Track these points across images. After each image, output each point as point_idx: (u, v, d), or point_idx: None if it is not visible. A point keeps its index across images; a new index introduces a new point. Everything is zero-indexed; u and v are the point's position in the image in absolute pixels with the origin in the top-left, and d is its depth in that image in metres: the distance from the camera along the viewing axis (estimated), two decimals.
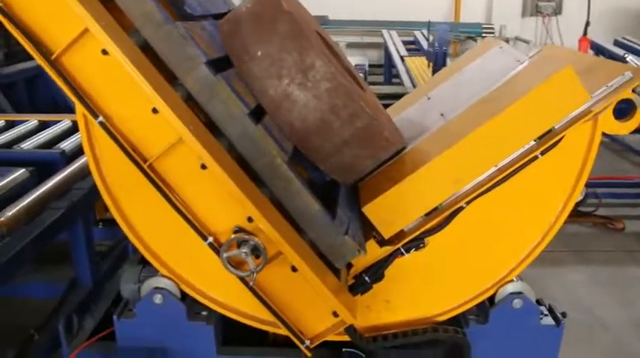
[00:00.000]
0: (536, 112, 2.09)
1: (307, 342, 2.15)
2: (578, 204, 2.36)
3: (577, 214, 4.45)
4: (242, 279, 2.02)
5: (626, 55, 5.93)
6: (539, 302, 2.46)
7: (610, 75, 2.16)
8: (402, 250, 2.22)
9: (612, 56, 5.78)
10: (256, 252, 1.95)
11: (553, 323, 2.41)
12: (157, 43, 1.89)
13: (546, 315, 2.44)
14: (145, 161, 1.93)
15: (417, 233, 2.21)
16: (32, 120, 3.48)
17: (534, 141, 2.15)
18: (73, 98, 1.87)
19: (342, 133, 2.11)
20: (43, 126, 3.45)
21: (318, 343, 2.18)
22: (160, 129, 1.89)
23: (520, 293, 2.36)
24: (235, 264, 1.98)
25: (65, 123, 3.48)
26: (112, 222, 3.59)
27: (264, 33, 2.07)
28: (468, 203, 2.18)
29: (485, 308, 2.40)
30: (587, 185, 4.49)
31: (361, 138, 2.15)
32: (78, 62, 1.86)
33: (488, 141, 2.11)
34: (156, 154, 1.93)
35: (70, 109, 5.46)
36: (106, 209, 3.67)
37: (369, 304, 2.34)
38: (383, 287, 2.30)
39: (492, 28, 11.08)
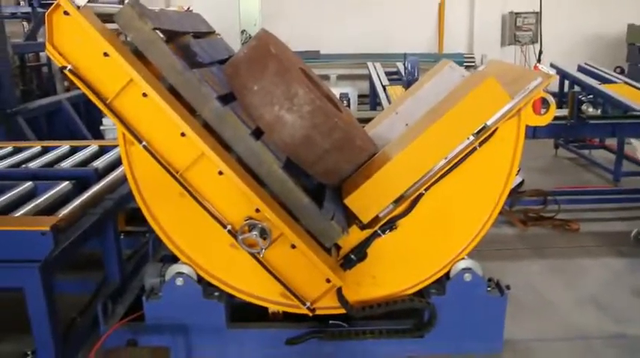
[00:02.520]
0: (470, 113, 2.53)
1: (308, 304, 2.62)
2: (515, 188, 2.77)
3: (538, 218, 4.90)
4: (254, 255, 2.50)
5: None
6: (490, 279, 2.85)
7: (529, 80, 2.61)
8: (379, 231, 2.63)
9: (574, 80, 6.24)
10: (264, 234, 2.45)
11: (499, 293, 2.80)
12: (179, 86, 2.43)
13: (494, 288, 2.84)
14: (177, 172, 2.47)
15: (389, 217, 2.63)
16: (65, 146, 3.97)
17: (473, 136, 2.57)
18: (123, 129, 2.44)
19: (323, 144, 2.51)
20: (74, 150, 3.92)
21: (316, 305, 2.61)
22: (187, 148, 2.45)
23: (470, 268, 2.76)
24: (248, 245, 2.49)
25: (92, 147, 3.95)
26: (131, 233, 4.08)
27: (258, 72, 2.51)
28: (426, 189, 2.60)
29: (442, 282, 2.80)
30: (549, 194, 4.96)
31: (338, 147, 2.55)
32: (125, 103, 2.44)
33: (436, 139, 2.53)
34: (185, 166, 2.47)
35: (83, 137, 5.98)
36: (126, 222, 4.15)
37: (359, 281, 2.74)
38: (368, 265, 2.70)
39: (473, 58, 11.06)
